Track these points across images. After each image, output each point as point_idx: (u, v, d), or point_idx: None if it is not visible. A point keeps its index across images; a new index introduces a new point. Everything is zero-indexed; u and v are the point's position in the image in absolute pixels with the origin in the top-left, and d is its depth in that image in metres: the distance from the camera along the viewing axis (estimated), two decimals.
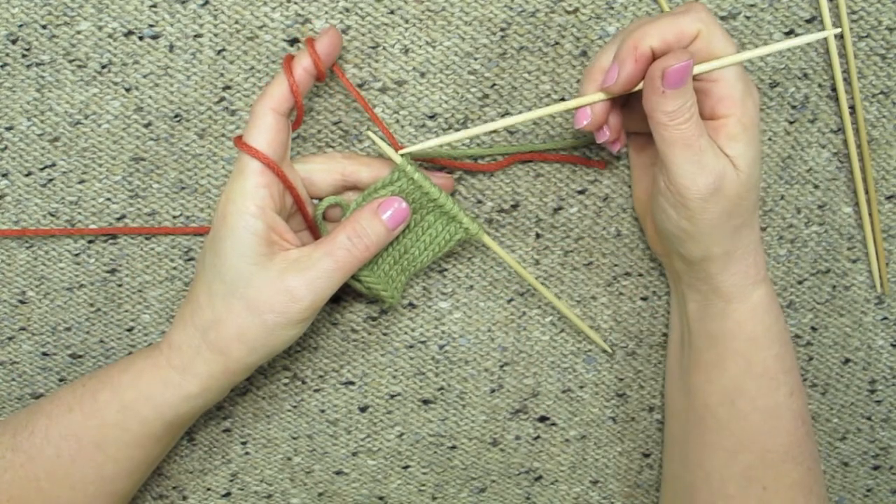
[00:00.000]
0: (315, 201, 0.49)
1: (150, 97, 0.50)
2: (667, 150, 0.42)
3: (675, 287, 0.51)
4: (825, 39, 0.50)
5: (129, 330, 0.53)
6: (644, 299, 0.54)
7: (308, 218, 0.47)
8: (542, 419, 0.55)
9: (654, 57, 0.41)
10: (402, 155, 0.46)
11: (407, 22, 0.49)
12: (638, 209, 0.52)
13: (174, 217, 0.52)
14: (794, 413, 0.47)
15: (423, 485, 0.56)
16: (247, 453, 0.55)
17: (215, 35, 0.49)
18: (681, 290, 0.49)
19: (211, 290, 0.44)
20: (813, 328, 0.55)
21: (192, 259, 0.52)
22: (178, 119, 0.50)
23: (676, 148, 0.42)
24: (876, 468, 0.57)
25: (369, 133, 0.45)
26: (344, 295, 0.53)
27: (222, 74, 0.50)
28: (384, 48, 0.50)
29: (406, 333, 0.54)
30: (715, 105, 0.42)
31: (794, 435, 0.47)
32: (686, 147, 0.41)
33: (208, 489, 0.56)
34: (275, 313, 0.43)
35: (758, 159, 0.43)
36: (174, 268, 0.53)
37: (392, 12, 0.49)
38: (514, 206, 0.52)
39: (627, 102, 0.46)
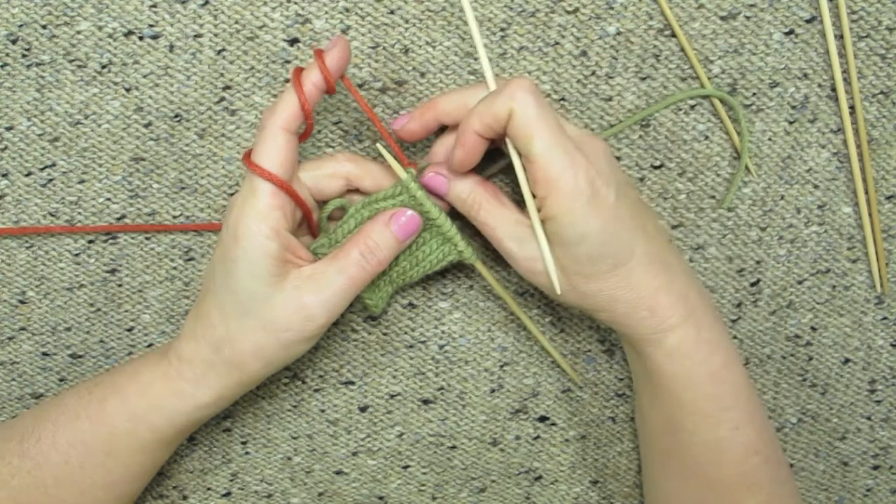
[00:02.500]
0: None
1: (150, 97, 0.50)
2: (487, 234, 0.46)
3: None
4: (825, 39, 0.50)
5: (129, 330, 0.53)
6: None
7: (314, 227, 0.47)
8: (542, 419, 0.56)
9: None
10: (407, 171, 0.45)
11: (407, 22, 0.49)
12: None
13: (174, 217, 0.52)
14: (743, 446, 0.46)
15: (423, 485, 0.56)
16: (247, 453, 0.55)
17: (215, 35, 0.49)
18: None
19: (224, 309, 0.43)
20: (813, 328, 0.55)
21: (192, 259, 0.53)
22: (178, 119, 0.50)
23: (486, 232, 0.45)
24: (876, 468, 0.57)
25: (378, 146, 0.46)
26: None
27: (222, 74, 0.50)
28: (384, 48, 0.50)
29: (406, 333, 0.54)
30: (534, 186, 0.42)
31: (744, 465, 0.46)
32: (492, 232, 0.45)
33: (209, 489, 0.56)
34: (291, 331, 0.43)
35: (586, 237, 0.42)
36: (174, 268, 0.53)
37: (392, 12, 0.49)
38: None
39: None
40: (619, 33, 0.50)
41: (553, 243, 0.43)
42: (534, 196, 0.43)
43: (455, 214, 0.47)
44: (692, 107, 0.51)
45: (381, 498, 0.56)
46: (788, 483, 0.48)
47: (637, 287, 0.44)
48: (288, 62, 0.50)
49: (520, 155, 0.42)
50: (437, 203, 0.46)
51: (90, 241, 0.52)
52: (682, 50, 0.50)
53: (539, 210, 0.43)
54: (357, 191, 0.48)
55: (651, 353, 0.45)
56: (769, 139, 0.52)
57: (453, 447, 0.56)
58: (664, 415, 0.47)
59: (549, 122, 0.40)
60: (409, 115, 0.46)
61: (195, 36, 0.49)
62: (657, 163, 0.52)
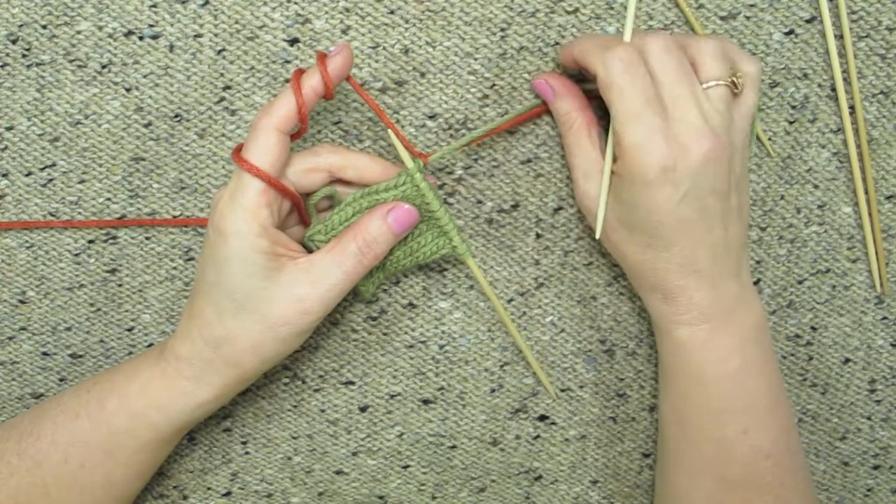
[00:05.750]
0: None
1: (150, 97, 0.50)
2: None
3: None
4: (825, 39, 0.50)
5: (129, 330, 0.54)
6: None
7: (305, 218, 0.47)
8: (542, 418, 0.56)
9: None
10: (415, 161, 0.45)
11: (407, 22, 0.49)
12: None
13: (174, 217, 0.52)
14: (752, 448, 0.46)
15: (423, 484, 0.56)
16: (247, 453, 0.55)
17: (215, 35, 0.49)
18: None
19: (219, 307, 0.43)
20: (813, 328, 0.55)
21: (192, 259, 0.53)
22: (178, 119, 0.50)
23: (567, 152, 0.48)
24: (876, 468, 0.57)
25: (389, 132, 0.45)
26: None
27: (222, 74, 0.50)
28: (384, 48, 0.50)
29: (406, 333, 0.54)
30: (615, 143, 0.44)
31: (752, 467, 0.46)
32: (569, 157, 0.48)
33: (209, 488, 0.56)
34: (289, 325, 0.43)
35: (635, 208, 0.43)
36: (174, 268, 0.53)
37: (392, 12, 0.49)
38: (514, 206, 0.52)
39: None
40: (619, 33, 0.50)
41: (612, 193, 0.45)
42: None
43: (450, 204, 0.47)
44: None
45: (381, 498, 0.56)
46: (801, 487, 0.48)
47: (660, 274, 0.45)
48: (288, 62, 0.50)
49: None
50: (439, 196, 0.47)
51: (90, 241, 0.52)
52: (688, 22, 0.50)
53: (614, 161, 0.44)
54: (340, 180, 0.47)
55: (660, 338, 0.47)
56: (769, 139, 0.52)
57: (453, 447, 0.56)
58: (672, 404, 0.48)
59: (633, 94, 0.42)
60: (565, 46, 0.48)
61: (195, 36, 0.49)
62: None
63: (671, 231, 0.43)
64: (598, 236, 0.46)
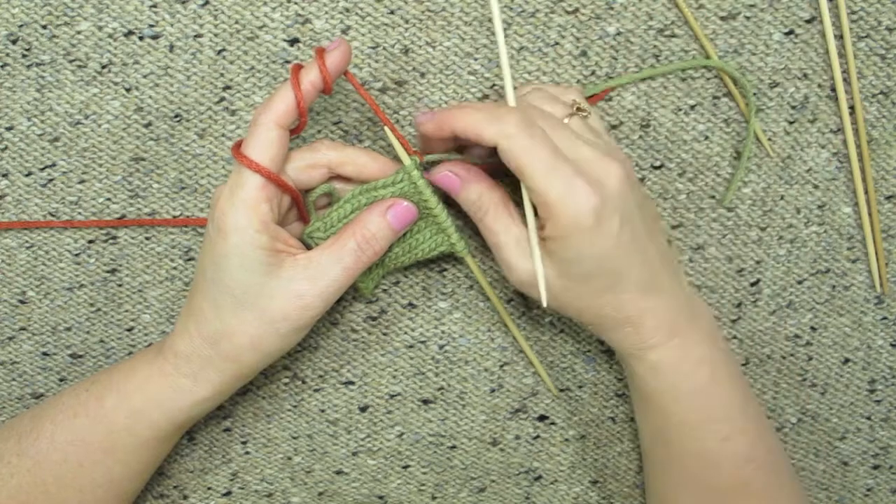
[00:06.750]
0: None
1: (150, 97, 0.50)
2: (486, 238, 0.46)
3: None
4: (825, 39, 0.50)
5: (129, 330, 0.54)
6: None
7: (304, 215, 0.47)
8: (542, 418, 0.56)
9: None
10: (411, 158, 0.45)
11: (407, 22, 0.49)
12: None
13: (174, 217, 0.52)
14: (734, 455, 0.46)
15: (423, 484, 0.56)
16: (247, 453, 0.55)
17: (215, 35, 0.49)
18: None
19: (217, 303, 0.43)
20: (813, 328, 0.55)
21: (191, 259, 0.53)
22: (178, 119, 0.50)
23: (489, 238, 0.45)
24: (876, 468, 0.57)
25: (386, 129, 0.45)
26: (344, 295, 0.53)
27: (222, 74, 0.50)
28: (384, 48, 0.50)
29: (406, 333, 0.54)
30: (537, 208, 0.42)
31: (737, 473, 0.46)
32: (494, 238, 0.45)
33: (209, 488, 0.56)
34: (288, 321, 0.43)
35: (583, 259, 0.42)
36: (174, 268, 0.53)
37: (392, 12, 0.49)
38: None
39: None
40: (619, 33, 0.50)
41: (550, 259, 0.43)
42: (537, 214, 0.43)
43: (450, 202, 0.47)
44: (692, 107, 0.51)
45: (381, 498, 0.57)
46: (788, 487, 0.48)
47: (624, 309, 0.44)
48: (288, 62, 0.50)
49: None
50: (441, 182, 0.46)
51: (90, 241, 0.52)
52: (687, 23, 0.50)
53: (542, 228, 0.42)
54: (339, 177, 0.47)
55: (635, 366, 0.46)
56: (769, 139, 0.52)
57: (453, 447, 0.56)
58: (653, 425, 0.48)
59: (540, 152, 0.40)
60: (433, 114, 0.44)
61: (195, 36, 0.49)
62: (657, 163, 0.52)
63: (622, 261, 0.43)
64: (545, 305, 0.44)
